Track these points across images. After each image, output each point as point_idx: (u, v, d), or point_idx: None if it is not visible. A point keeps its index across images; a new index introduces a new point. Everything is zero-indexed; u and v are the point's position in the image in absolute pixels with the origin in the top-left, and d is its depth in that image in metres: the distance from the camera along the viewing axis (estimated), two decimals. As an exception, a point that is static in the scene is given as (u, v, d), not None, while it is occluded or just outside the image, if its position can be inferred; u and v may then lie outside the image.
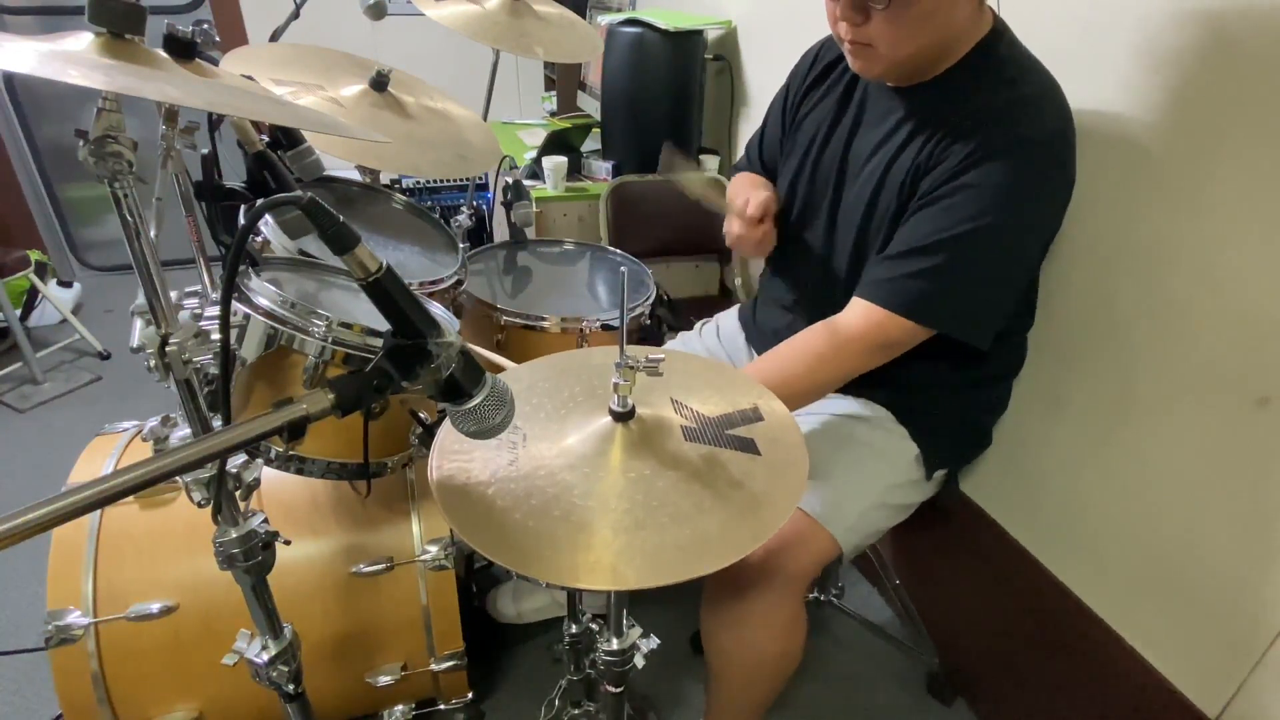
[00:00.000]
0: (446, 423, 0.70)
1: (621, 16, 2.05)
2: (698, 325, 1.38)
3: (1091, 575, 1.14)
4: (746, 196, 1.10)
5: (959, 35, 0.91)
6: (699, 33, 1.97)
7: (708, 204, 1.08)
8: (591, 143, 2.29)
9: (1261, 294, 0.85)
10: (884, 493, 1.04)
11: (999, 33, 0.93)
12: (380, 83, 1.20)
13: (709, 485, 0.67)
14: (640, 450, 0.70)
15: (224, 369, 0.61)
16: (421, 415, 0.93)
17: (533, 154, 2.16)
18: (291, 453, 0.90)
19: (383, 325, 0.56)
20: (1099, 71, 0.99)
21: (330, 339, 0.83)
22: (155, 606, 1.00)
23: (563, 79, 2.86)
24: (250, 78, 0.91)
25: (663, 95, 1.97)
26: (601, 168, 2.08)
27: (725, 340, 1.31)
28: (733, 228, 1.11)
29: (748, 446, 0.73)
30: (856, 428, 1.07)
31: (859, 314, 0.95)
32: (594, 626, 1.14)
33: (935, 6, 0.85)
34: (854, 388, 1.06)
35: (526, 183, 1.98)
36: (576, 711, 1.21)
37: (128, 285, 2.94)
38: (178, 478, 0.53)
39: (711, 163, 2.09)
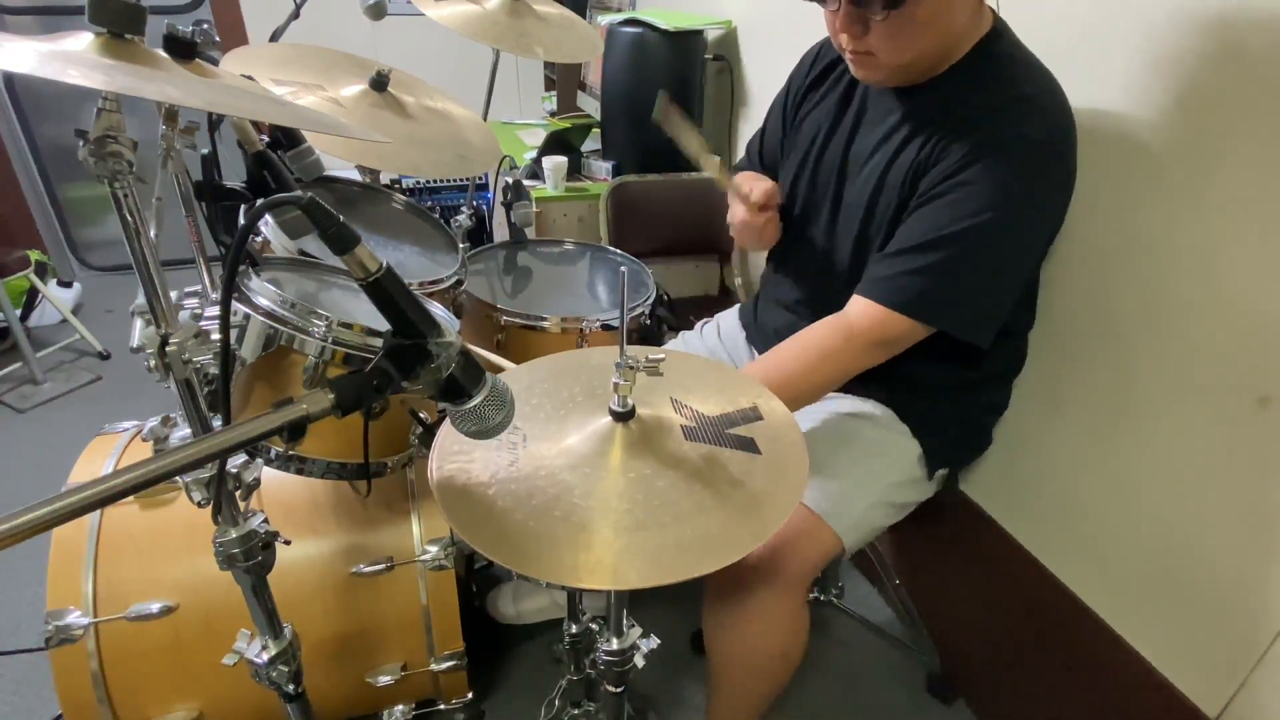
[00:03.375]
0: (447, 423, 0.70)
1: (621, 16, 2.05)
2: (698, 325, 1.39)
3: (1091, 575, 1.14)
4: (751, 185, 1.11)
5: (958, 37, 0.91)
6: (699, 33, 1.97)
7: (706, 169, 1.07)
8: (591, 143, 2.29)
9: (1262, 293, 0.85)
10: (887, 490, 1.05)
11: (999, 32, 0.93)
12: (380, 83, 1.20)
13: (709, 485, 0.67)
14: (640, 450, 0.70)
15: (224, 369, 0.61)
16: (421, 415, 0.93)
17: (533, 154, 2.16)
18: (291, 453, 0.90)
19: (383, 325, 0.56)
20: (1099, 71, 0.99)
21: (330, 339, 0.83)
22: (155, 606, 1.00)
23: (563, 79, 2.86)
24: (250, 78, 0.91)
25: (663, 95, 1.97)
26: (601, 168, 2.08)
27: (726, 340, 1.31)
28: (737, 214, 1.11)
29: (748, 446, 0.73)
30: (860, 425, 1.07)
31: (858, 312, 0.95)
32: (594, 626, 1.14)
33: (934, 13, 0.85)
34: (856, 386, 1.06)
35: (526, 183, 1.98)
36: (576, 711, 1.21)
37: (128, 285, 2.94)
38: (178, 478, 0.53)
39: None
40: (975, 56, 0.92)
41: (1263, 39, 0.82)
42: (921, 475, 1.08)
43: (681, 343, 1.36)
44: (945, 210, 0.89)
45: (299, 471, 0.91)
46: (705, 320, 1.39)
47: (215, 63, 0.72)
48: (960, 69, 0.93)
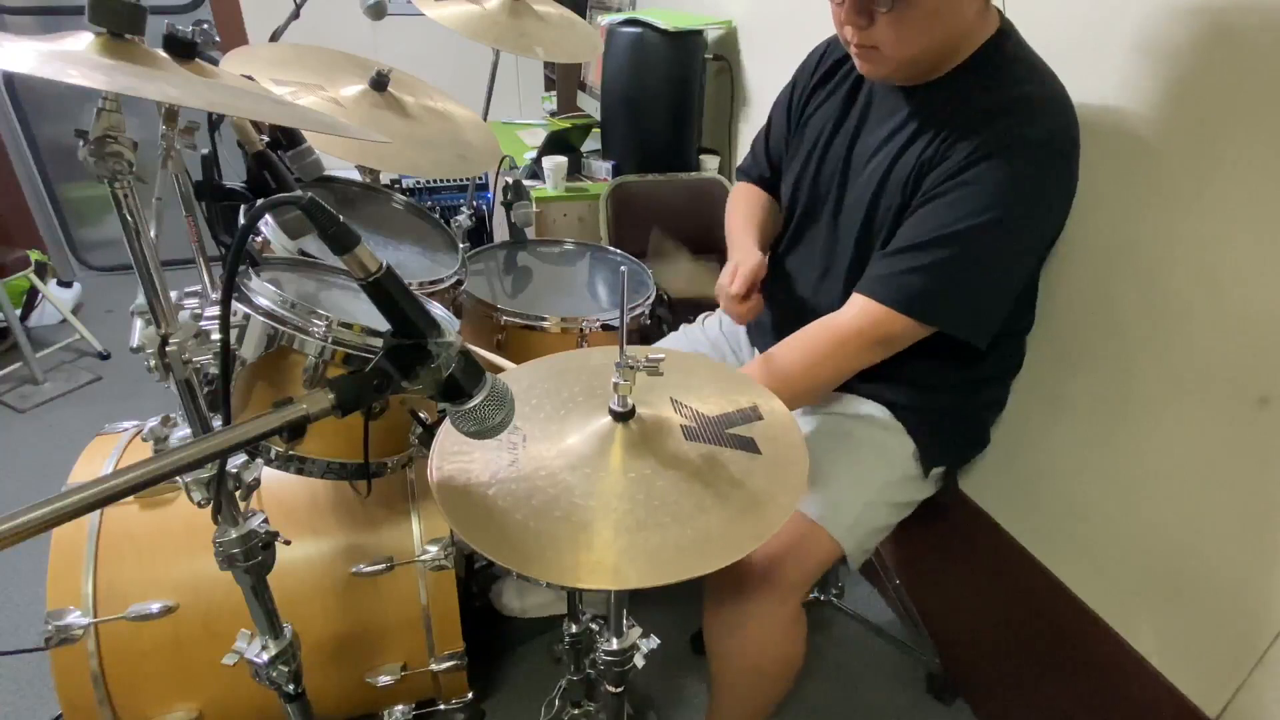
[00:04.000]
0: (446, 423, 0.70)
1: (621, 16, 2.05)
2: (699, 318, 1.38)
3: (1091, 575, 1.14)
4: (734, 268, 1.10)
5: (965, 35, 0.91)
6: (699, 33, 1.97)
7: (694, 293, 1.10)
8: (591, 143, 2.29)
9: (1262, 294, 0.85)
10: (882, 490, 1.04)
11: (1005, 33, 0.93)
12: (380, 83, 1.20)
13: (709, 485, 0.67)
14: (641, 450, 0.70)
15: (224, 369, 0.61)
16: (421, 415, 0.93)
17: (533, 154, 2.16)
18: (291, 453, 0.90)
19: (383, 325, 0.56)
20: (1100, 70, 0.99)
21: (330, 339, 0.83)
22: (155, 606, 1.00)
23: (563, 79, 2.86)
24: (250, 78, 0.91)
25: (663, 95, 1.97)
26: (601, 168, 2.08)
27: (727, 334, 1.31)
28: (721, 301, 1.12)
29: (748, 445, 0.73)
30: (853, 426, 1.07)
31: (857, 310, 0.95)
32: (594, 626, 1.14)
33: (939, 6, 0.85)
34: (851, 385, 1.06)
35: (526, 183, 1.98)
36: (576, 711, 1.21)
37: (128, 285, 2.94)
38: (178, 478, 0.53)
39: (711, 163, 2.09)
40: (981, 56, 0.92)
41: (1264, 38, 0.81)
42: (918, 472, 1.08)
43: (682, 334, 1.36)
44: (947, 209, 0.89)
45: (299, 471, 0.91)
46: (706, 313, 1.39)
47: (215, 63, 0.72)
48: (966, 68, 0.92)
